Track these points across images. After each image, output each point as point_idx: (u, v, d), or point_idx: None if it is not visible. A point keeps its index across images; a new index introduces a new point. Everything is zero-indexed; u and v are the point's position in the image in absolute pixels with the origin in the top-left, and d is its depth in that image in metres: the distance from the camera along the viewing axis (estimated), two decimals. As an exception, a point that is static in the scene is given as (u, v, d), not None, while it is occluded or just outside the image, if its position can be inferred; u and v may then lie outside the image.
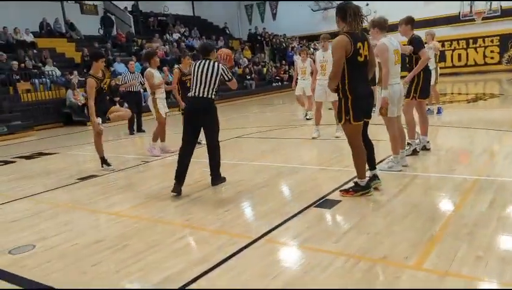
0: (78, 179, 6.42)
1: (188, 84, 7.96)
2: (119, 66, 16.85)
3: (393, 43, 5.15)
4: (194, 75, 5.14)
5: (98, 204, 5.09)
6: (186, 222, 4.19)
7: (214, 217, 4.21)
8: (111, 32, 21.10)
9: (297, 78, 10.90)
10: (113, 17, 22.57)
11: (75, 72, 15.51)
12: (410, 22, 5.75)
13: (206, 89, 5.08)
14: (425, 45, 8.90)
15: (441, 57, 22.51)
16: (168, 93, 12.69)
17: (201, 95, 5.09)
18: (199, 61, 5.18)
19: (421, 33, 21.14)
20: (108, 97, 7.16)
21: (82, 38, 19.74)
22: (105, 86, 6.82)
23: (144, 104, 11.48)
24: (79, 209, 4.93)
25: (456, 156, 5.97)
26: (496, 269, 2.73)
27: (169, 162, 7.23)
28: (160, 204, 4.87)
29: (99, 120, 6.60)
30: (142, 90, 11.71)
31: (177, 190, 5.04)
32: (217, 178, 5.43)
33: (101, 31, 20.96)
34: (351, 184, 4.60)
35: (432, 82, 8.99)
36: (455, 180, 4.71)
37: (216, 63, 5.12)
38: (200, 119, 5.14)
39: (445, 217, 3.74)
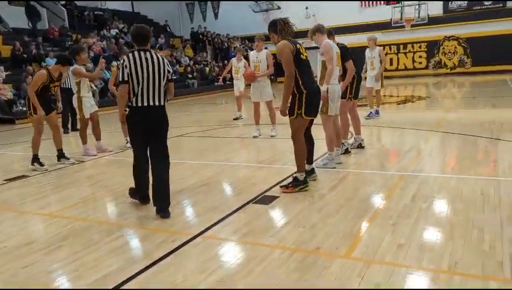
0: (5, 180, 6.08)
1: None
2: (51, 61, 16.02)
3: (335, 47, 5.40)
4: (136, 75, 3.96)
5: (29, 205, 4.86)
6: (124, 221, 4.14)
7: (153, 216, 4.19)
8: (36, 22, 19.86)
9: (225, 76, 11.38)
10: (44, 10, 21.41)
11: (1, 68, 14.56)
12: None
13: (157, 93, 4.06)
14: (368, 50, 9.35)
15: (375, 61, 23.80)
16: (105, 92, 12.32)
17: (154, 103, 4.06)
18: (137, 55, 3.99)
19: (357, 37, 22.19)
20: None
21: (10, 31, 18.55)
22: (54, 88, 6.65)
23: (75, 95, 11.00)
24: (7, 211, 4.69)
25: (386, 154, 6.37)
26: (414, 256, 2.98)
27: (105, 162, 7.07)
28: (96, 204, 4.76)
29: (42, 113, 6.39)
30: (72, 88, 11.15)
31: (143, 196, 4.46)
32: (166, 209, 4.15)
33: (30, 25, 19.80)
34: (290, 180, 4.78)
35: (378, 86, 9.46)
36: (384, 176, 5.05)
37: (159, 56, 4.14)
38: (153, 129, 4.16)
39: (373, 209, 4.01)
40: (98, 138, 7.71)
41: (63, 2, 22.33)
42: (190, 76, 21.62)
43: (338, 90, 5.35)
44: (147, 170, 4.29)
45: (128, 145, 7.94)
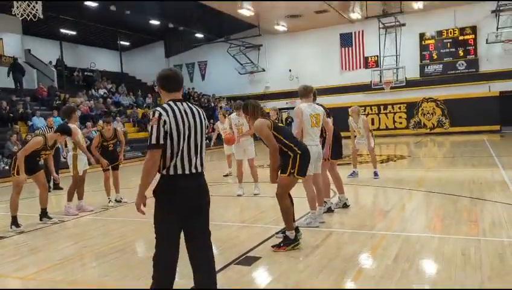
0: (-19, 240, 5.90)
1: (110, 149, 8.03)
2: (38, 121, 16.13)
3: (315, 108, 5.62)
4: (177, 133, 2.88)
5: (4, 268, 4.70)
6: (100, 283, 4.02)
7: (132, 278, 4.08)
8: (21, 80, 20.01)
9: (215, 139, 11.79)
10: (34, 70, 21.84)
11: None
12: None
13: (199, 156, 3.02)
14: (352, 121, 9.55)
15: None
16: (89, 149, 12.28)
17: (196, 169, 2.99)
18: (175, 106, 2.93)
19: (338, 98, 22.95)
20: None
21: (-2, 90, 18.77)
22: (42, 156, 6.70)
23: (63, 159, 11.00)
24: (-19, 274, 4.52)
25: (368, 213, 6.42)
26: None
27: (86, 221, 6.95)
28: (74, 265, 4.63)
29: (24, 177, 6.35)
30: (59, 146, 11.15)
31: None
32: None
33: (18, 84, 20.00)
34: (274, 240, 4.77)
35: (371, 146, 9.50)
36: (366, 236, 5.06)
37: (195, 106, 3.13)
38: (196, 205, 3.02)
39: (356, 270, 3.99)
40: (80, 197, 7.63)
41: (54, 64, 22.85)
42: (176, 135, 21.81)
43: (316, 152, 5.48)
44: (177, 260, 3.03)
45: (112, 204, 7.87)
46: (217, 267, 4.19)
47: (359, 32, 24.88)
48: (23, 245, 5.62)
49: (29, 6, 4.58)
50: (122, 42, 27.96)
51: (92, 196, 8.73)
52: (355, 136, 9.79)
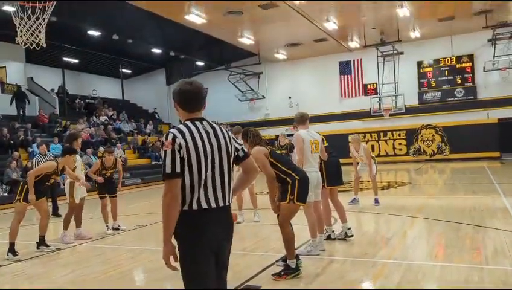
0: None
1: (107, 176, 7.98)
2: (36, 149, 16.16)
3: (313, 135, 5.67)
4: (197, 160, 2.43)
5: (-1, 297, 4.62)
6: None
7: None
8: (24, 108, 20.21)
9: None
10: (36, 98, 22.04)
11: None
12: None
13: (226, 186, 2.55)
14: (353, 150, 9.53)
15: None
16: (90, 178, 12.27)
17: (224, 202, 2.53)
18: (193, 127, 2.49)
19: (338, 125, 23.06)
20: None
21: (0, 117, 18.89)
22: (51, 180, 6.77)
23: (62, 187, 10.96)
24: (-25, 304, 4.43)
25: (370, 240, 6.34)
26: None
27: (83, 249, 6.86)
28: (70, 295, 4.54)
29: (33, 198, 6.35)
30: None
31: None
32: None
33: (17, 110, 20.13)
34: (274, 268, 4.70)
35: (373, 174, 9.39)
36: (367, 264, 4.99)
37: (219, 126, 2.64)
38: (220, 245, 2.55)
39: (358, 299, 3.92)
40: (78, 225, 7.56)
41: (56, 91, 23.08)
42: (176, 161, 21.82)
43: (315, 178, 5.45)
44: None
45: (110, 231, 7.79)
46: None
47: (358, 60, 25.23)
48: (21, 274, 5.53)
49: (32, 35, 4.66)
50: (123, 70, 28.31)
51: (90, 224, 8.65)
52: (357, 163, 9.75)
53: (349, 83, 25.62)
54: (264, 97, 27.73)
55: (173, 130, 2.45)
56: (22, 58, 21.82)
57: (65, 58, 23.76)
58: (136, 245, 6.90)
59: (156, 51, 24.78)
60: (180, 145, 2.38)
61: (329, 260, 5.20)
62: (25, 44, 4.81)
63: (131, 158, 20.80)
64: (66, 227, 7.39)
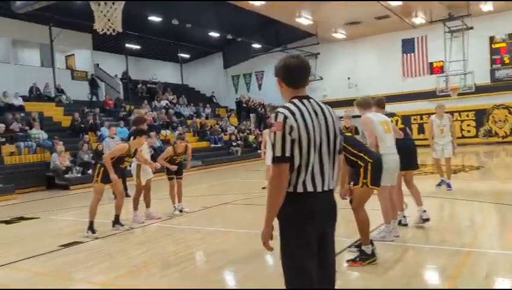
0: (60, 245, 6.18)
1: (178, 161, 8.08)
2: (105, 131, 16.91)
3: (381, 116, 5.37)
4: (307, 141, 2.29)
5: (81, 273, 4.86)
6: (176, 293, 4.03)
7: (206, 287, 4.05)
8: (97, 94, 21.49)
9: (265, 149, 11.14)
10: (102, 84, 23.08)
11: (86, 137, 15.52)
12: (359, 105, 5.64)
13: (333, 168, 2.44)
14: (435, 118, 8.99)
15: (421, 129, 23.48)
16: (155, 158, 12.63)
17: (329, 185, 2.41)
18: (302, 106, 2.35)
19: (400, 106, 22.19)
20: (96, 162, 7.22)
21: (71, 102, 19.98)
22: (125, 163, 7.01)
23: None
24: (62, 279, 4.70)
25: (446, 227, 6.00)
26: None
27: (153, 229, 7.08)
28: (147, 274, 4.69)
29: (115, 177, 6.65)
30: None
31: None
32: None
33: (89, 96, 21.28)
34: (346, 253, 4.56)
35: (449, 154, 8.92)
36: (448, 252, 4.70)
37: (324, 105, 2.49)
38: (327, 226, 2.46)
39: (444, 288, 3.70)
40: (148, 205, 7.82)
41: (120, 77, 24.03)
42: (234, 144, 22.08)
43: (394, 160, 5.19)
44: None
45: (177, 212, 7.98)
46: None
47: (423, 37, 23.88)
48: (99, 251, 5.80)
49: (109, 21, 4.80)
50: (182, 55, 28.86)
51: (157, 204, 8.93)
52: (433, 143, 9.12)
53: (413, 61, 24.38)
54: (321, 78, 27.14)
55: (283, 110, 2.29)
56: (89, 45, 22.83)
57: (128, 45, 24.57)
58: (203, 226, 7.02)
59: (214, 34, 24.95)
60: (291, 127, 2.24)
61: (405, 247, 4.98)
62: (102, 30, 4.94)
63: (192, 141, 21.26)
64: (135, 207, 7.66)
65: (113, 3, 4.44)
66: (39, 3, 4.32)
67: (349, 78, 26.29)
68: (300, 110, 2.30)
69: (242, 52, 29.05)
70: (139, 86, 25.29)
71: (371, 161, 4.51)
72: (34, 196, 12.71)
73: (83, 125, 17.23)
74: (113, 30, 4.84)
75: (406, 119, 23.66)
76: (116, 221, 7.01)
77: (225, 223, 7.15)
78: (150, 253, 5.50)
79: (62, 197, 12.34)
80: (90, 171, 14.30)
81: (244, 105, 27.64)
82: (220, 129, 23.08)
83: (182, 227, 7.10)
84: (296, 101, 2.35)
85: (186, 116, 23.85)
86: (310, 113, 2.31)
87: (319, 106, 2.39)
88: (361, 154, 4.54)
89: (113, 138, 11.62)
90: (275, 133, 2.26)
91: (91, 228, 6.63)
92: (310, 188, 2.29)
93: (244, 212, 8.22)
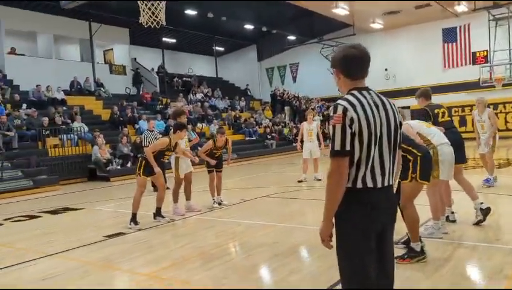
0: (105, 236, 6.34)
1: (217, 155, 8.07)
2: (143, 124, 17.24)
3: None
4: (368, 135, 2.20)
5: (129, 263, 4.96)
6: (220, 286, 4.03)
7: (252, 284, 4.03)
8: (140, 88, 22.14)
9: (302, 141, 11.12)
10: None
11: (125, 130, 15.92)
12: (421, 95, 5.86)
13: (392, 164, 2.33)
14: (476, 113, 8.59)
15: (462, 122, 22.66)
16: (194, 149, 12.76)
17: (389, 181, 2.31)
18: (363, 99, 2.25)
19: (440, 98, 21.37)
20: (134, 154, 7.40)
21: (110, 96, 20.48)
22: (166, 156, 7.19)
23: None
24: (111, 269, 4.82)
25: (498, 224, 5.73)
26: None
27: (194, 221, 7.15)
28: (191, 266, 4.72)
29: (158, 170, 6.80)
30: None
31: None
32: None
33: (128, 90, 21.76)
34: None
35: (486, 151, 8.43)
36: (503, 251, 4.49)
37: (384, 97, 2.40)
38: (387, 224, 2.37)
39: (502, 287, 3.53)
40: (188, 198, 7.90)
41: (156, 70, 24.42)
42: (269, 137, 22.03)
43: (450, 153, 4.94)
44: None
45: (216, 205, 8.02)
46: (333, 280, 3.99)
47: (465, 25, 22.94)
48: (143, 243, 5.91)
49: (153, 14, 4.85)
50: (217, 48, 28.99)
51: (197, 197, 9.02)
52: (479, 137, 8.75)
53: (454, 51, 23.49)
54: (357, 70, 26.64)
55: (343, 102, 2.21)
56: (126, 40, 23.30)
57: (164, 39, 24.90)
58: (243, 219, 7.02)
59: (248, 27, 24.90)
60: (351, 120, 2.16)
61: (455, 245, 4.78)
62: (147, 23, 5.01)
63: (227, 134, 21.36)
64: (175, 200, 7.73)
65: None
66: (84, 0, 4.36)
67: (386, 69, 25.67)
68: (360, 101, 2.22)
69: (276, 44, 28.89)
70: (175, 79, 25.63)
71: (420, 154, 4.37)
72: (76, 187, 13.14)
73: (121, 119, 17.63)
74: (157, 23, 4.88)
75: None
76: (158, 213, 7.12)
77: (264, 216, 7.13)
78: (192, 245, 5.54)
79: (103, 188, 12.69)
80: (129, 164, 14.68)
81: (279, 98, 27.50)
82: (254, 122, 23.08)
83: (222, 220, 7.12)
84: (355, 92, 2.28)
85: (221, 109, 23.98)
86: (370, 105, 2.23)
87: (379, 97, 2.32)
88: (410, 148, 4.39)
89: (151, 131, 11.77)
90: (334, 126, 2.18)
91: (134, 219, 6.75)
92: (369, 184, 2.21)
93: (282, 206, 8.17)
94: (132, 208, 6.81)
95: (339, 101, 2.22)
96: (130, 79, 22.75)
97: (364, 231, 2.21)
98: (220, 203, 8.16)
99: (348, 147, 2.16)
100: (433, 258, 4.33)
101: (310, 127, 10.86)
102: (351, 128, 2.16)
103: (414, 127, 4.94)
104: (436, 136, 4.95)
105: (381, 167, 2.24)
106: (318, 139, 10.99)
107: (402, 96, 25.18)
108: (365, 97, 2.26)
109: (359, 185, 2.21)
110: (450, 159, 4.92)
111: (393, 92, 25.60)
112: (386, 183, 2.26)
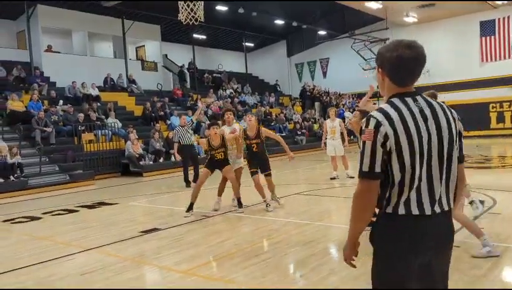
0: (141, 231, 6.40)
1: (255, 149, 7.25)
2: (175, 120, 17.40)
3: None
4: (410, 153, 1.85)
5: (165, 260, 4.98)
6: (259, 285, 3.98)
7: (289, 280, 3.96)
8: (184, 85, 22.84)
9: (326, 139, 10.77)
10: (170, 74, 23.77)
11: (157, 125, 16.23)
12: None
13: (446, 185, 1.95)
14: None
15: (500, 118, 21.84)
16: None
17: (441, 207, 1.93)
18: (404, 107, 1.90)
19: (479, 93, 20.80)
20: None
21: (142, 92, 20.78)
22: (218, 154, 7.27)
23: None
24: (147, 265, 4.85)
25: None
26: None
27: (231, 217, 7.11)
28: (230, 263, 4.68)
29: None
30: (196, 142, 11.69)
31: None
32: None
33: (160, 86, 21.99)
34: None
35: None
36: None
37: (440, 103, 2.02)
38: (436, 258, 1.98)
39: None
40: (236, 194, 7.42)
41: (187, 67, 24.63)
42: (299, 133, 21.86)
43: None
44: None
45: (269, 207, 7.21)
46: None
47: (505, 18, 22.03)
48: (178, 239, 5.91)
49: (192, 11, 4.85)
50: (247, 44, 28.96)
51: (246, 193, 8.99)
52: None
53: (493, 44, 22.61)
54: (390, 65, 26.04)
55: (377, 115, 1.86)
56: (157, 37, 23.56)
57: (195, 35, 25.04)
58: (278, 217, 6.94)
59: (278, 22, 24.74)
60: (386, 136, 1.81)
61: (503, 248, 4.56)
62: (185, 20, 5.03)
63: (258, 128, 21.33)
64: (219, 194, 7.58)
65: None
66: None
67: (421, 64, 25.00)
68: (401, 113, 1.84)
69: (306, 39, 28.62)
70: (205, 75, 25.76)
71: None
72: (110, 182, 13.40)
73: (153, 115, 17.86)
74: (196, 20, 4.88)
75: (484, 107, 22.15)
76: (239, 204, 7.35)
77: (299, 214, 7.03)
78: (228, 243, 5.51)
79: (137, 183, 12.89)
80: (161, 159, 14.85)
81: (308, 93, 27.24)
82: (284, 118, 22.94)
83: (257, 217, 7.03)
84: (396, 100, 1.90)
85: (251, 104, 23.96)
86: (414, 117, 1.84)
87: (429, 104, 1.91)
88: None
89: (183, 126, 11.82)
90: (364, 142, 1.86)
91: (191, 207, 7.19)
92: (415, 211, 1.85)
93: (315, 204, 8.05)
94: (191, 198, 7.21)
95: (373, 113, 1.88)
96: (161, 75, 23.08)
97: (405, 265, 1.87)
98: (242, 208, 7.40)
99: (377, 169, 1.83)
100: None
101: (333, 125, 10.63)
102: (384, 146, 1.82)
103: None
104: None
105: (429, 191, 1.86)
106: (342, 136, 10.68)
107: (438, 92, 24.48)
108: (408, 106, 1.87)
109: (402, 211, 1.86)
110: None
111: (428, 87, 24.93)
112: (437, 209, 1.88)
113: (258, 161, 7.36)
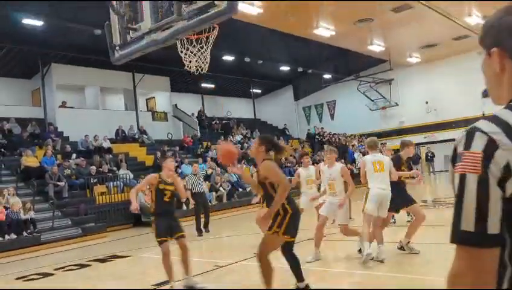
0: (153, 285, 6.31)
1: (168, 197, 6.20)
2: (186, 168, 17.53)
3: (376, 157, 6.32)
4: None
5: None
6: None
7: None
8: (196, 135, 23.34)
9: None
10: (180, 123, 24.21)
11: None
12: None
13: None
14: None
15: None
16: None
17: None
18: None
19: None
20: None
21: (153, 142, 21.11)
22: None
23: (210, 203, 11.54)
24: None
25: None
26: None
27: (242, 266, 6.99)
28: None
29: None
30: (207, 189, 11.79)
31: None
32: None
33: (170, 135, 22.35)
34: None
35: None
36: None
37: None
38: None
39: None
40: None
41: (196, 115, 25.12)
42: (310, 176, 21.76)
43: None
44: None
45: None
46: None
47: (507, 53, 22.33)
48: (191, 292, 5.81)
49: (197, 61, 5.11)
50: (254, 90, 29.59)
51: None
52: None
53: (498, 80, 22.74)
54: (397, 104, 26.30)
55: (487, 127, 1.01)
56: (167, 88, 24.23)
57: (203, 84, 25.72)
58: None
59: (284, 68, 25.36)
60: (508, 168, 0.97)
61: None
62: (196, 70, 5.31)
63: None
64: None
65: (206, 47, 4.76)
66: (136, 54, 4.63)
67: (427, 102, 25.19)
68: None
69: (312, 83, 29.19)
70: (214, 122, 26.19)
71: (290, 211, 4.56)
72: (123, 234, 13.35)
73: (164, 164, 17.99)
74: (202, 69, 5.16)
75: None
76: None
77: (327, 262, 6.89)
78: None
79: (149, 234, 12.76)
80: (173, 208, 14.82)
81: (317, 137, 27.41)
82: (294, 161, 22.98)
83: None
84: None
85: (261, 149, 24.10)
86: None
87: None
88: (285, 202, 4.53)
89: (195, 174, 11.93)
90: (463, 176, 1.00)
91: None
92: None
93: (340, 250, 7.91)
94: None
95: (479, 125, 1.03)
96: (172, 125, 23.50)
97: None
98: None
99: (493, 229, 0.97)
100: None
101: (308, 174, 8.15)
102: (503, 185, 0.98)
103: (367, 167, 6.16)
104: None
105: None
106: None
107: (445, 129, 24.46)
108: None
109: (505, 285, 1.04)
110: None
111: (435, 125, 24.98)
112: None
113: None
